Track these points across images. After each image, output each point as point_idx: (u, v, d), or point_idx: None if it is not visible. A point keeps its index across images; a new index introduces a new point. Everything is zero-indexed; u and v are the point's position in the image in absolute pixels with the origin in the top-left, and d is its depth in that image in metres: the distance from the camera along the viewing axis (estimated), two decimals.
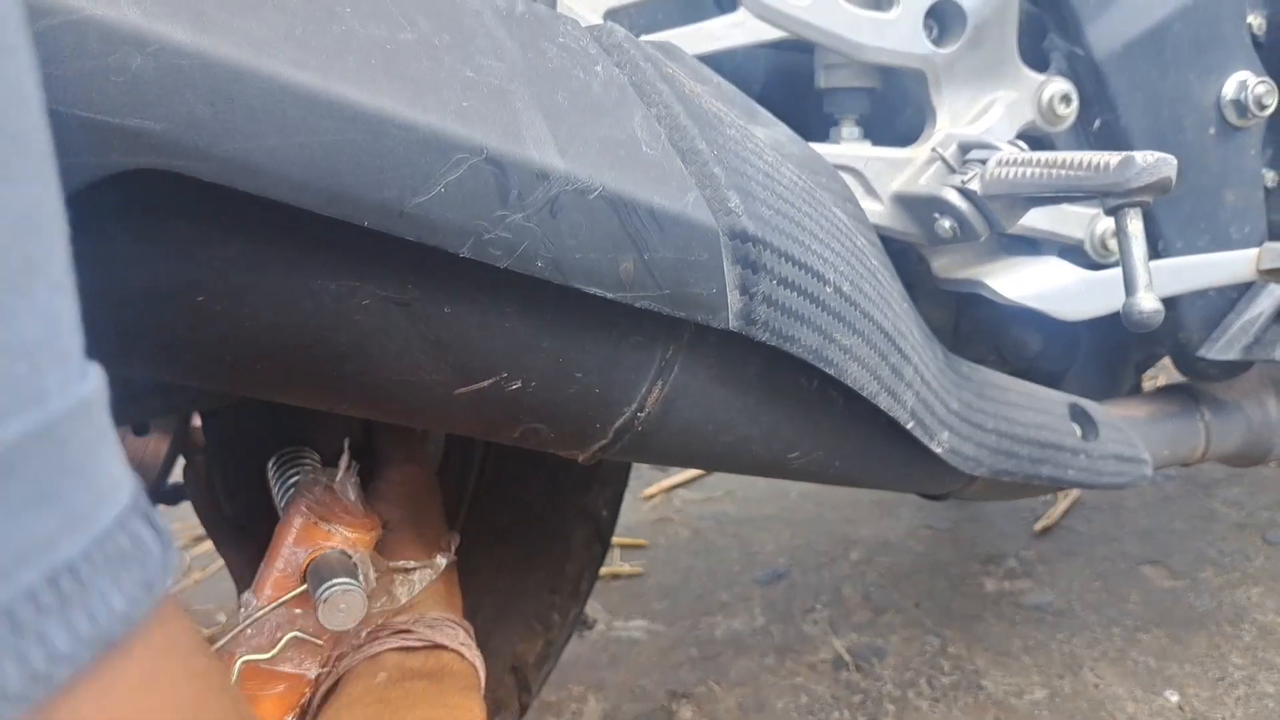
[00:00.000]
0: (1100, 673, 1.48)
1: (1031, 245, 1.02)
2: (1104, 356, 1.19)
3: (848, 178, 0.87)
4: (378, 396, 0.62)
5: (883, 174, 0.87)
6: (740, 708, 1.45)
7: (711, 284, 0.61)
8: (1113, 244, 0.99)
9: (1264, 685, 1.43)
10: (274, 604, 0.68)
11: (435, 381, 0.60)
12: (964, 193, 0.81)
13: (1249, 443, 1.13)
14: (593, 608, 1.71)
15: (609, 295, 0.57)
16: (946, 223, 0.83)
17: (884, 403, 0.75)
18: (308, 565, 0.69)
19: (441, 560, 0.76)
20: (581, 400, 0.64)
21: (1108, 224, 0.99)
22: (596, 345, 0.62)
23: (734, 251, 0.61)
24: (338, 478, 0.73)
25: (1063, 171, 0.72)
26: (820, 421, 0.77)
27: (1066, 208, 0.98)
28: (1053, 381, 1.20)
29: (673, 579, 1.79)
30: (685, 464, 0.75)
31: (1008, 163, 0.78)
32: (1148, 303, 0.73)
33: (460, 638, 0.71)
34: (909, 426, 0.80)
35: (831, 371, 0.69)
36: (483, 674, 0.74)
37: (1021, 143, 0.83)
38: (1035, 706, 1.42)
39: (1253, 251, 0.92)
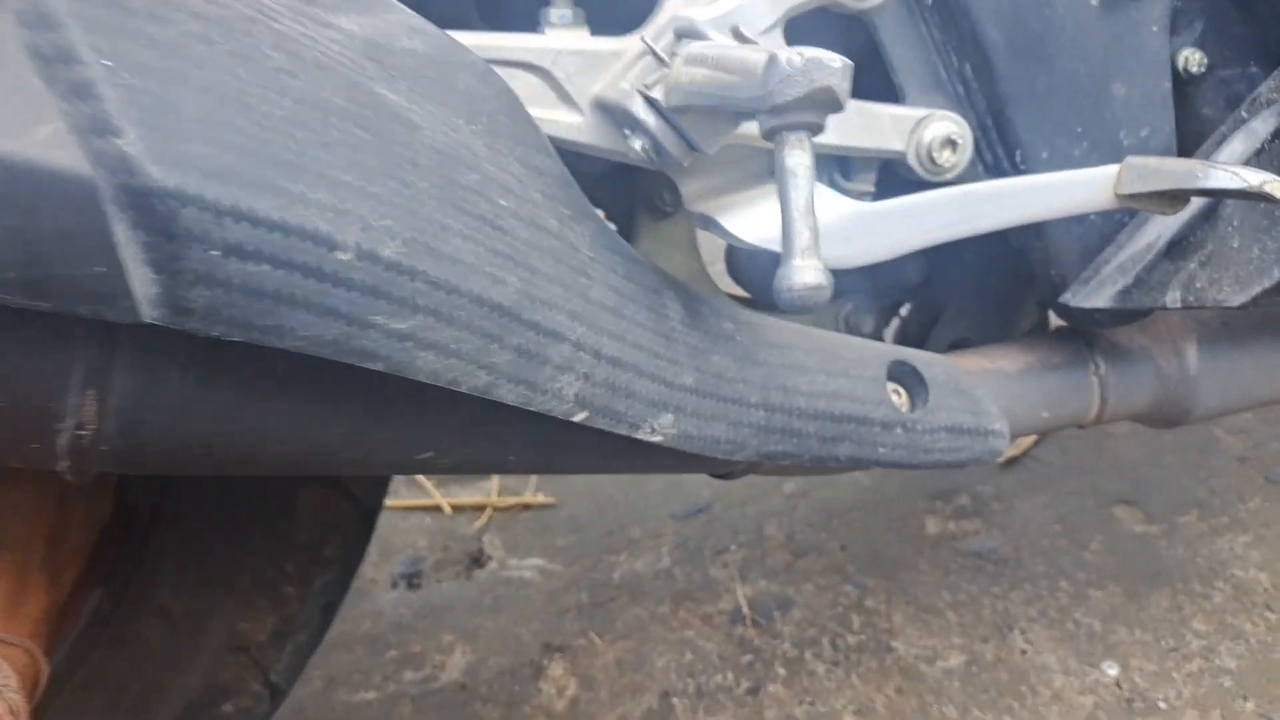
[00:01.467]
0: (1032, 637, 1.28)
1: (842, 164, 0.80)
2: (992, 290, 0.97)
3: (535, 80, 0.67)
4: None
5: (580, 74, 0.66)
6: (617, 665, 1.30)
7: (92, 261, 0.43)
8: (947, 157, 0.77)
9: (1224, 659, 1.22)
10: None
11: None
12: (649, 102, 0.60)
13: (1160, 401, 0.90)
14: (490, 543, 1.57)
15: None
16: (638, 142, 0.63)
17: (510, 394, 0.57)
18: None
19: None
20: None
21: (939, 129, 0.77)
22: None
23: (134, 214, 0.43)
24: None
25: (715, 76, 0.51)
26: (446, 416, 0.59)
27: (880, 109, 0.76)
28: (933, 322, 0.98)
29: (586, 511, 1.63)
30: (239, 472, 0.58)
31: (695, 61, 0.57)
32: (806, 274, 0.53)
33: None
34: (579, 418, 0.61)
35: (378, 366, 0.51)
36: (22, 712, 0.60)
37: (745, 31, 0.61)
38: (946, 675, 1.24)
39: (1110, 170, 0.68)
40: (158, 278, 0.44)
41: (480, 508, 1.67)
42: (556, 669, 1.30)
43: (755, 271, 0.92)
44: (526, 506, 1.66)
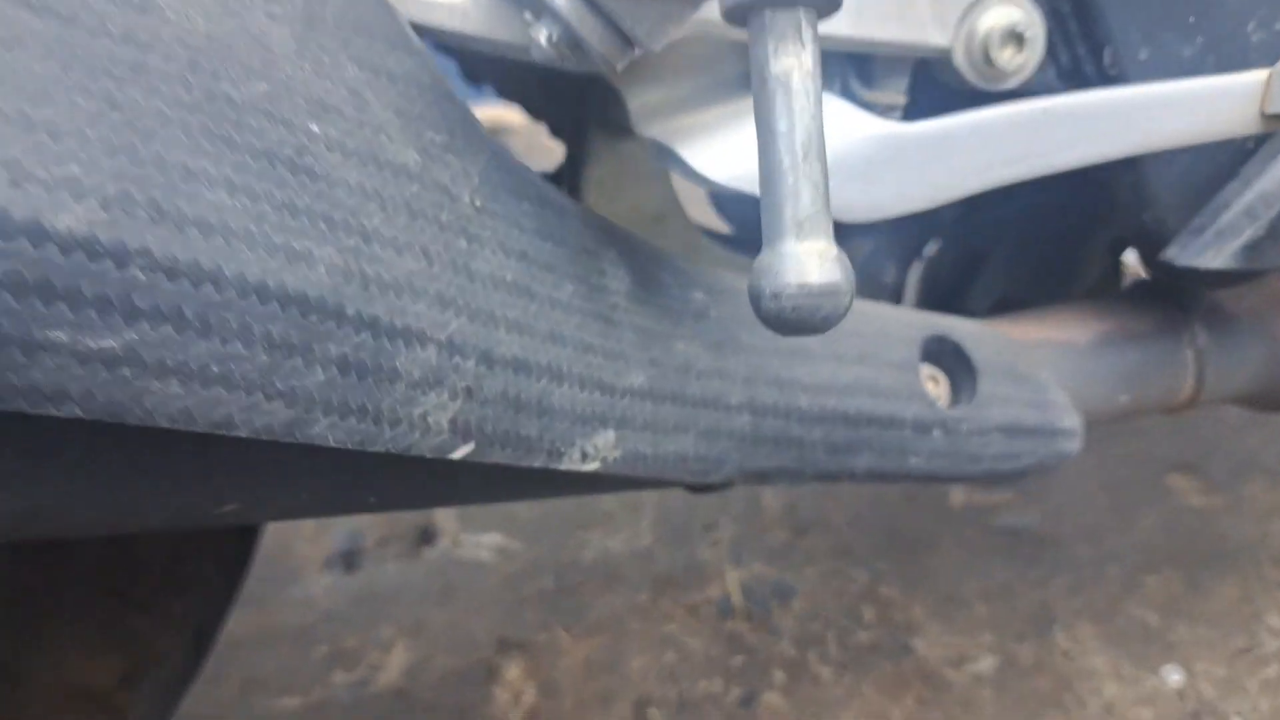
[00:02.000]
0: (1077, 634, 1.08)
1: (860, 66, 0.57)
2: (1053, 232, 0.74)
3: None
4: None
5: None
6: (586, 666, 1.10)
7: None
8: (1009, 56, 0.54)
9: None
10: None
11: None
12: None
13: (1268, 381, 0.68)
14: (442, 515, 1.37)
15: None
16: (544, 31, 0.40)
17: (335, 434, 0.36)
18: None
19: None
20: None
21: (998, 17, 0.54)
22: None
23: None
24: None
25: None
26: (252, 458, 0.38)
27: None
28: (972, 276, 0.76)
29: None
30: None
31: None
32: (806, 269, 0.31)
33: None
34: (460, 454, 0.40)
35: (70, 413, 0.29)
36: None
37: None
38: (975, 683, 1.04)
39: (1253, 79, 0.46)
40: None
41: None
42: (513, 671, 1.11)
43: (744, 211, 0.69)
44: None
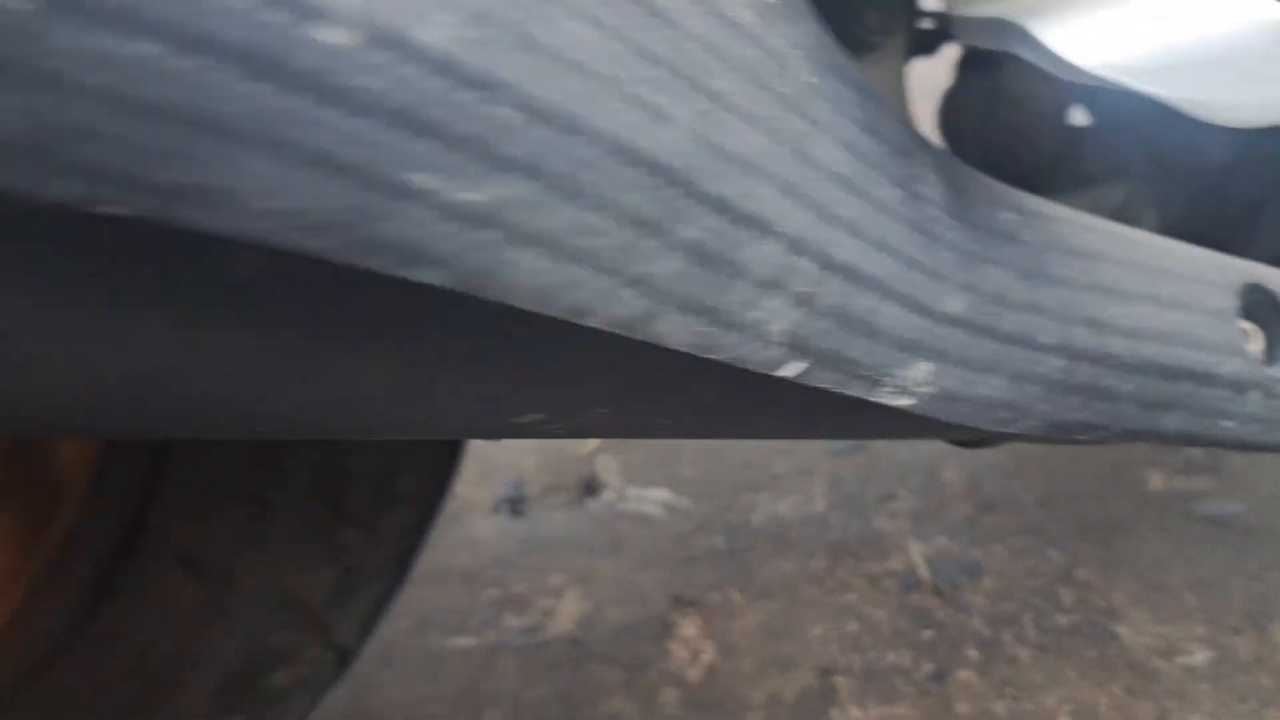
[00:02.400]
0: None
1: None
2: None
3: None
4: None
5: None
6: (762, 630, 1.06)
7: None
8: None
9: None
10: None
11: None
12: None
13: None
14: (605, 467, 1.34)
15: None
16: None
17: (677, 334, 0.32)
18: None
19: None
20: None
21: None
22: None
23: None
24: None
25: None
26: (569, 362, 0.34)
27: None
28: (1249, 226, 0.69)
29: None
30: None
31: None
32: None
33: None
34: (793, 372, 0.36)
35: (435, 279, 0.26)
36: None
37: None
38: (1189, 676, 0.96)
39: None
40: None
41: None
42: (688, 628, 1.07)
43: (1026, 129, 0.63)
44: None
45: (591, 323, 0.29)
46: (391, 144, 0.24)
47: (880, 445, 1.32)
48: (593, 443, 1.39)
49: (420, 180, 0.25)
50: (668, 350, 0.32)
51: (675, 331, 0.31)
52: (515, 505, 1.27)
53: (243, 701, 0.73)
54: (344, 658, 0.77)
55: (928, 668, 0.99)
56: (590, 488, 1.30)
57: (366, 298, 0.28)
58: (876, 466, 1.28)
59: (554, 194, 0.27)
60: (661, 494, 1.28)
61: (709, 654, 1.04)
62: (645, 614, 1.10)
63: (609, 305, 0.29)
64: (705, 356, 0.33)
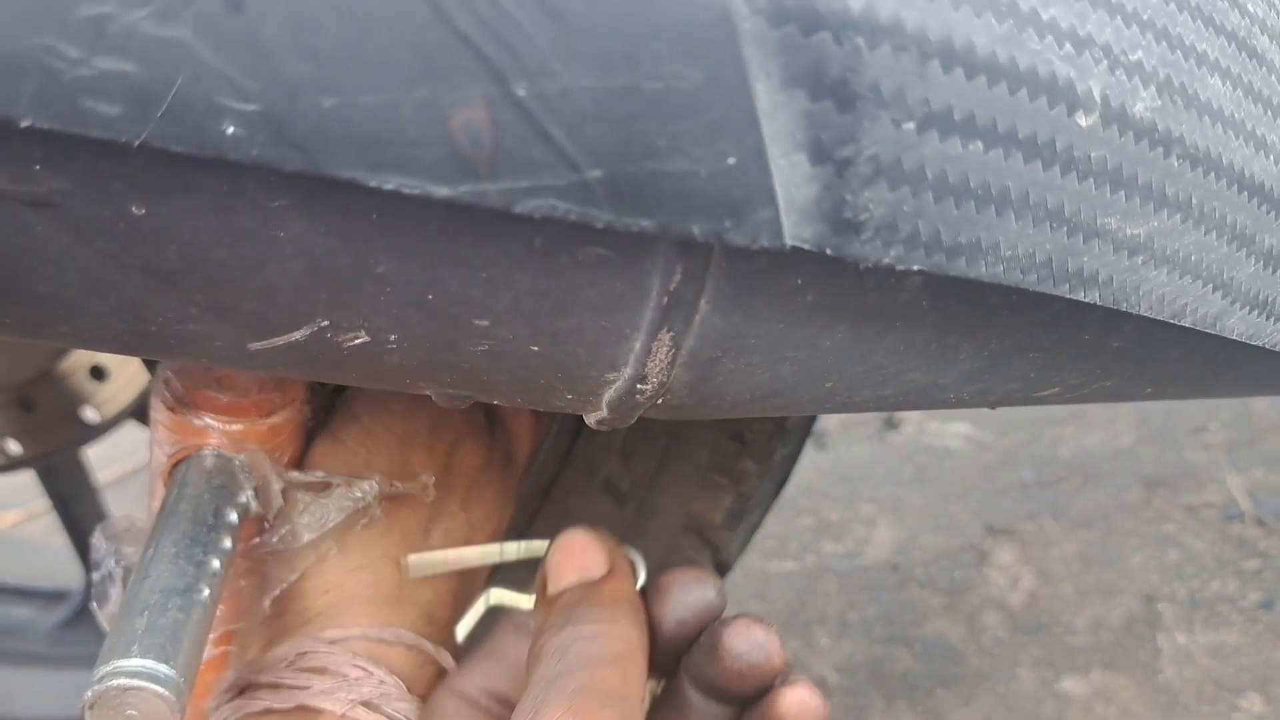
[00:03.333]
0: None
1: None
2: None
3: None
4: (112, 343, 0.35)
5: None
6: (1080, 558, 1.10)
7: (719, 147, 0.25)
8: None
9: None
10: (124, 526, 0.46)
11: (202, 331, 0.31)
12: None
13: None
14: None
15: (432, 193, 0.24)
16: None
17: (1239, 325, 0.36)
18: (169, 475, 0.45)
19: (371, 487, 0.47)
20: (509, 362, 0.33)
21: None
22: (501, 273, 0.29)
23: (786, 54, 0.24)
24: None
25: None
26: (1102, 347, 0.39)
27: None
28: None
29: None
30: (804, 412, 0.42)
31: None
32: None
33: (368, 685, 0.43)
34: None
35: (1090, 297, 0.32)
36: None
37: None
38: None
39: None
40: (817, 172, 0.25)
41: None
42: (1004, 556, 1.12)
43: None
44: None
45: (1184, 321, 0.34)
46: (1097, 197, 0.30)
47: None
48: None
49: (1105, 222, 0.30)
50: (1205, 335, 0.37)
51: (1238, 325, 0.36)
52: (818, 438, 1.34)
53: None
54: (722, 574, 0.86)
55: (1255, 596, 1.01)
56: (891, 422, 1.36)
57: (1006, 309, 0.34)
58: (1184, 400, 1.28)
59: (1189, 222, 0.32)
60: (963, 428, 1.32)
61: (1028, 580, 1.08)
62: (960, 542, 1.15)
63: (1200, 307, 0.34)
64: (1251, 343, 0.37)
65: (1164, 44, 0.30)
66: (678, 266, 0.30)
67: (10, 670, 0.92)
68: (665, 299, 0.30)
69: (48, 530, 1.50)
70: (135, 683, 0.36)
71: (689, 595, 0.46)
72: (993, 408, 0.49)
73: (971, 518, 1.18)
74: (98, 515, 0.93)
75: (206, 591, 0.40)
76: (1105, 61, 0.28)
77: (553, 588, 0.44)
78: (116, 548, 0.48)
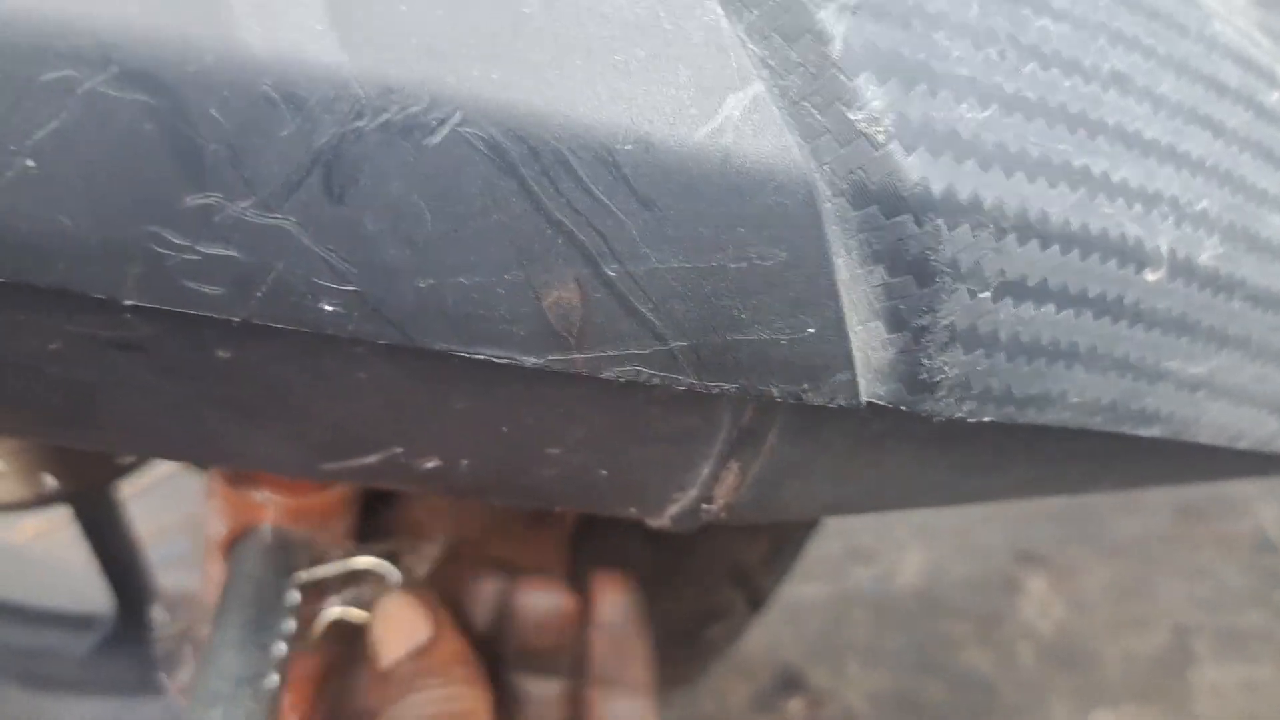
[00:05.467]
0: None
1: None
2: None
3: None
4: (199, 459, 0.36)
5: None
6: (1113, 587, 1.10)
7: (799, 319, 0.26)
8: None
9: None
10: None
11: (277, 453, 0.32)
12: None
13: None
14: None
15: (523, 362, 0.25)
16: None
17: (1274, 442, 0.37)
18: (228, 550, 0.46)
19: (432, 549, 0.48)
20: (577, 483, 0.33)
21: None
22: (575, 411, 0.30)
23: (867, 234, 0.25)
24: None
25: None
26: (1139, 457, 0.40)
27: None
28: None
29: None
30: (852, 514, 0.42)
31: None
32: None
33: None
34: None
35: (1153, 432, 0.32)
36: None
37: None
38: None
39: None
40: (894, 339, 0.26)
41: None
42: (1036, 584, 1.12)
43: None
44: None
45: (1239, 445, 0.35)
46: (1162, 343, 0.30)
47: None
48: None
49: (1169, 365, 0.31)
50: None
51: (1274, 439, 0.37)
52: None
53: (678, 654, 0.83)
54: (759, 611, 0.86)
55: None
56: None
57: (1066, 435, 0.34)
58: None
59: (1249, 356, 0.32)
60: None
61: (1059, 610, 1.09)
62: (990, 568, 1.15)
63: (1257, 430, 0.35)
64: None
65: (1227, 188, 0.31)
66: (748, 405, 0.30)
67: (39, 696, 0.94)
68: (736, 432, 0.31)
69: (66, 544, 1.52)
70: None
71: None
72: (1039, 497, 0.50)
73: (1002, 543, 1.18)
74: (124, 534, 0.93)
75: (275, 678, 0.41)
76: (1172, 216, 0.29)
77: (385, 661, 0.45)
78: (176, 618, 0.49)
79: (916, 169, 0.25)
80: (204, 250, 0.24)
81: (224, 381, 0.30)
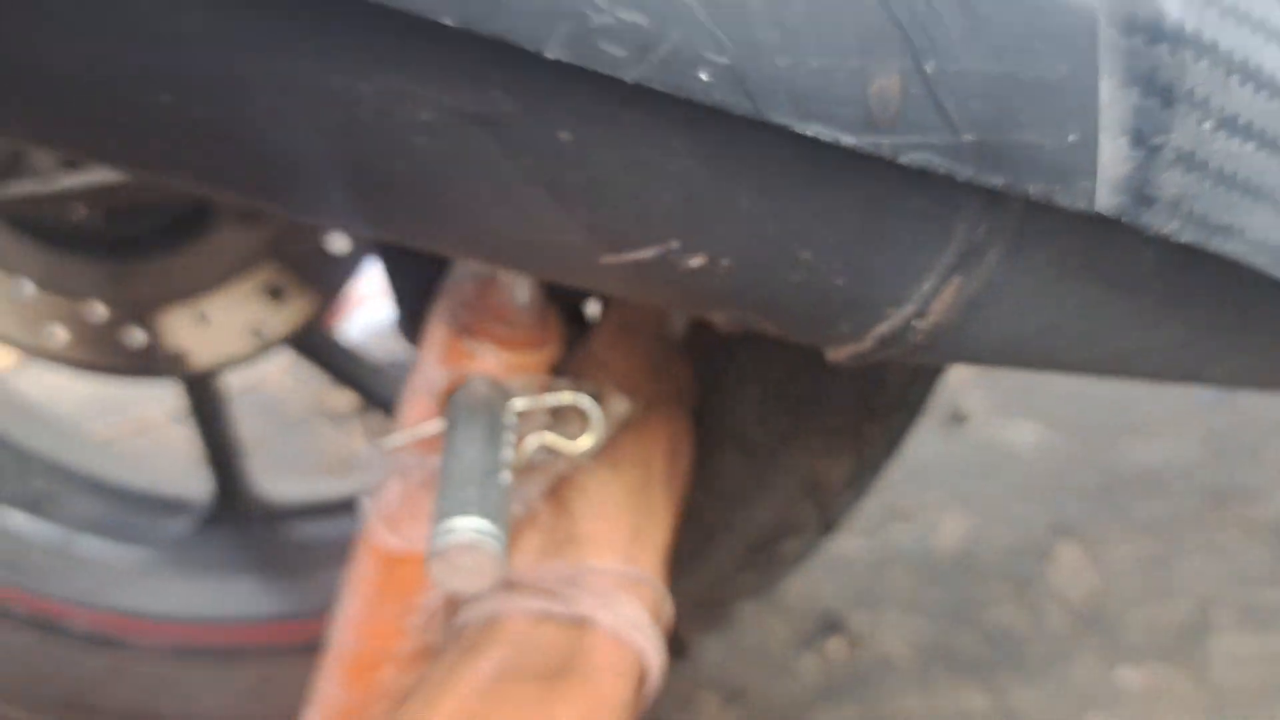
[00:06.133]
0: None
1: None
2: None
3: None
4: (486, 252, 0.42)
5: None
6: (1140, 562, 1.17)
7: (1067, 126, 0.32)
8: None
9: None
10: (398, 441, 0.54)
11: (565, 243, 0.38)
12: None
13: None
14: (969, 397, 1.45)
15: (844, 140, 0.31)
16: None
17: None
18: (447, 394, 0.52)
19: (622, 405, 0.54)
20: (812, 292, 0.40)
21: None
22: (836, 213, 0.36)
23: (1130, 59, 0.31)
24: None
25: None
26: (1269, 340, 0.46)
27: None
28: None
29: (1082, 377, 1.48)
30: (1017, 368, 0.48)
31: None
32: None
33: (627, 610, 0.51)
34: None
35: None
36: (655, 666, 0.54)
37: None
38: None
39: None
40: (1133, 154, 0.33)
41: None
42: (1068, 553, 1.19)
43: None
44: None
45: None
46: None
47: (1246, 401, 1.38)
48: (961, 373, 1.51)
49: None
50: None
51: None
52: None
53: (756, 563, 0.89)
54: (828, 535, 0.92)
55: None
56: (957, 418, 1.43)
57: (1220, 290, 0.41)
58: (1244, 420, 1.35)
59: None
60: (1031, 427, 1.39)
61: (1090, 578, 1.15)
62: (1024, 537, 1.22)
63: None
64: None
65: None
66: (984, 223, 0.37)
67: (146, 573, 1.00)
68: (966, 245, 0.37)
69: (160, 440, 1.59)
70: (476, 537, 0.43)
71: None
72: (1161, 383, 0.56)
73: (1038, 515, 1.25)
74: (228, 424, 0.99)
75: (507, 477, 0.47)
76: None
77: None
78: (388, 456, 0.55)
79: (1176, 9, 0.31)
80: (621, 15, 0.30)
81: (556, 162, 0.36)
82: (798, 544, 0.90)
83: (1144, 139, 0.32)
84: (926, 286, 0.39)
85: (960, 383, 1.50)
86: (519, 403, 0.52)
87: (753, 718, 1.04)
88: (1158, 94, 0.32)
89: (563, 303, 0.62)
